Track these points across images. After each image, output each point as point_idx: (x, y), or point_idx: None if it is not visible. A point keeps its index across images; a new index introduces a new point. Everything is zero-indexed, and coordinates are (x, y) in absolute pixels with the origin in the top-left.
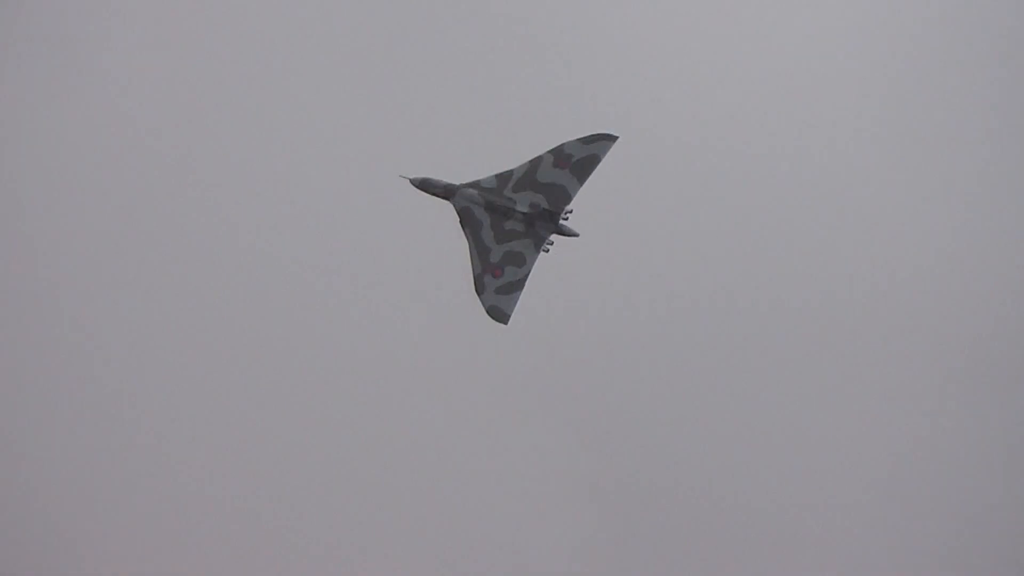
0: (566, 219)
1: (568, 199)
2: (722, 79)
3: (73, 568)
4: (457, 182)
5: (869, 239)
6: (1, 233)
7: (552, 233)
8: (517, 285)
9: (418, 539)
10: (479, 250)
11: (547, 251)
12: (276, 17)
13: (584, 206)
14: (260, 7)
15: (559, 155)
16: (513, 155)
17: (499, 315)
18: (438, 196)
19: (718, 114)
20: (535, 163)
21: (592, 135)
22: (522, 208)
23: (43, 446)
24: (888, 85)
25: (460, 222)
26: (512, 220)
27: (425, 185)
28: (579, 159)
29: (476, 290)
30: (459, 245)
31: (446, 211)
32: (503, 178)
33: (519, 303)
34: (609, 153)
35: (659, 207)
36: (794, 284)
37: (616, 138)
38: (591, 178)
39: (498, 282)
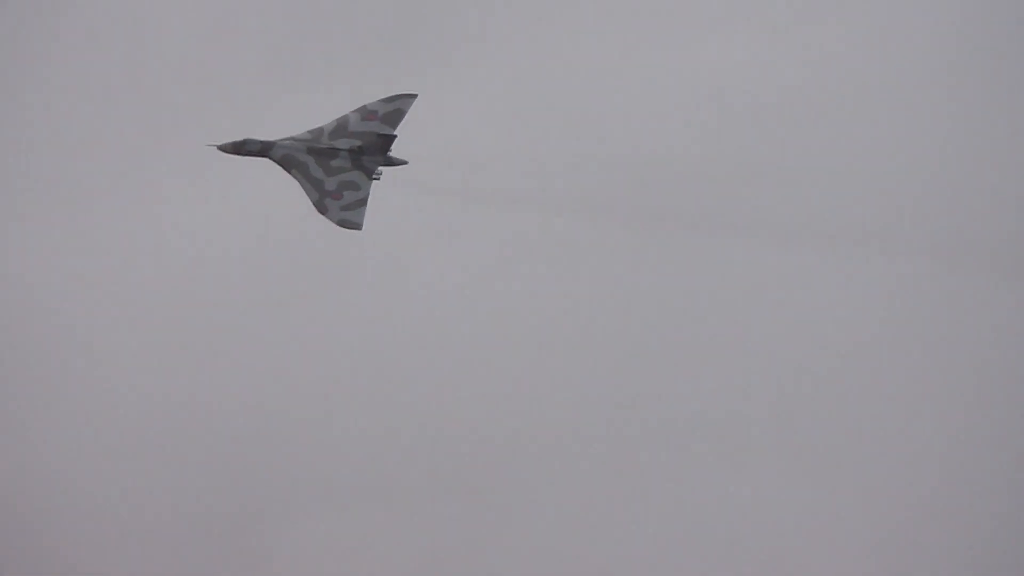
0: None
1: (385, 139)
2: None
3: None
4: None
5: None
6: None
7: (379, 165)
8: (360, 203)
9: None
10: (311, 182)
11: (378, 178)
12: None
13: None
14: None
15: (364, 112)
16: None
17: (351, 225)
18: (253, 155)
19: None
20: (342, 120)
21: (393, 95)
22: (345, 147)
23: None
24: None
25: (283, 168)
26: (338, 160)
27: (239, 147)
28: (385, 113)
29: (319, 211)
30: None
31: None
32: (315, 132)
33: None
34: None
35: None
36: None
37: (415, 96)
38: None
39: (340, 203)
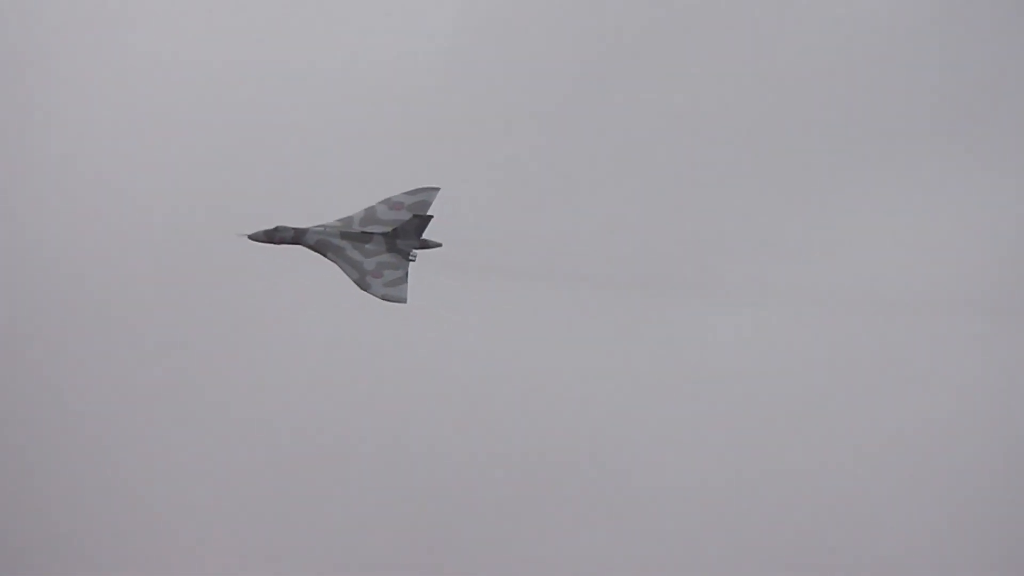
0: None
1: (421, 220)
2: None
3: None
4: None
5: None
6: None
7: (413, 248)
8: (401, 279)
9: None
10: (351, 263)
11: (413, 260)
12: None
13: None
14: None
15: (390, 203)
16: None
17: (396, 298)
18: (285, 243)
19: None
20: (370, 210)
21: (416, 189)
22: (379, 231)
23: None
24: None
25: (319, 252)
26: (372, 244)
27: (271, 235)
28: (411, 204)
29: (362, 288)
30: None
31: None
32: (345, 220)
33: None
34: None
35: None
36: None
37: (438, 189)
38: None
39: (382, 280)
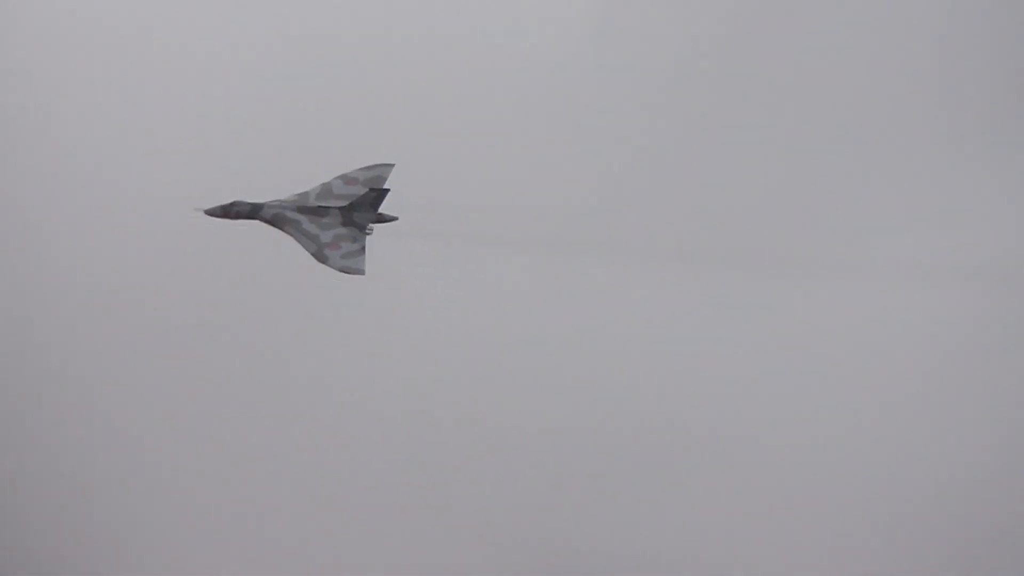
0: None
1: (378, 193)
2: None
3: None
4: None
5: None
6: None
7: (370, 221)
8: (358, 252)
9: None
10: (307, 236)
11: (370, 233)
12: None
13: None
14: None
15: (346, 179)
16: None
17: (354, 270)
18: (242, 217)
19: None
20: (326, 185)
21: (371, 165)
22: (335, 205)
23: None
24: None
25: (275, 226)
26: (328, 217)
27: (228, 210)
28: (366, 179)
29: (319, 260)
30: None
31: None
32: (301, 195)
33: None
34: None
35: None
36: None
37: (392, 165)
38: None
39: (339, 252)
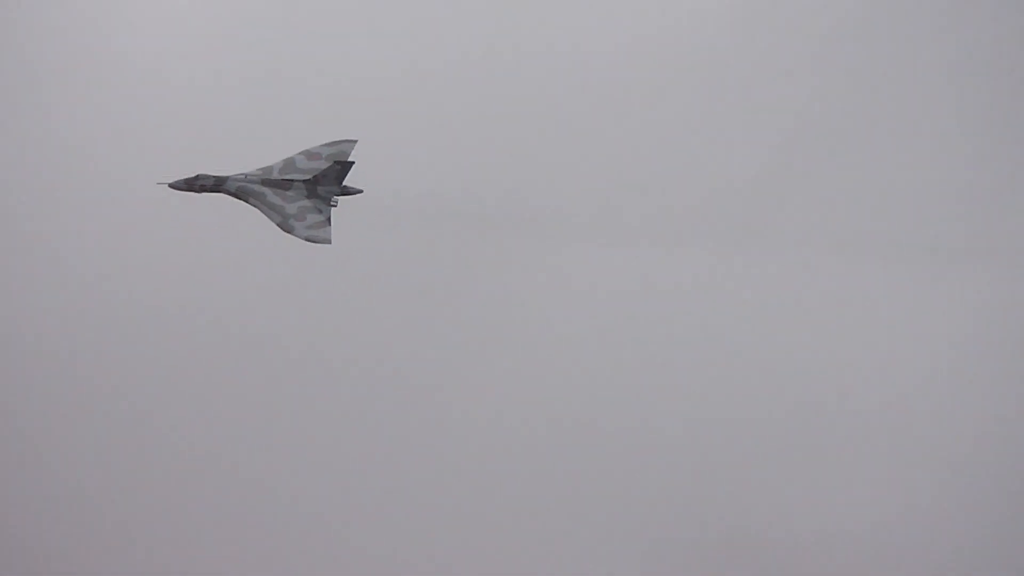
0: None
1: (343, 166)
2: None
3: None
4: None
5: None
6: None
7: (335, 195)
8: (324, 223)
9: None
10: (273, 208)
11: (335, 205)
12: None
13: None
14: None
15: (308, 154)
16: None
17: (320, 239)
18: (207, 190)
19: None
20: (288, 160)
21: (334, 141)
22: (301, 178)
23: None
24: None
25: (239, 198)
26: (292, 191)
27: (192, 184)
28: (329, 154)
29: (285, 230)
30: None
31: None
32: (265, 169)
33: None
34: None
35: None
36: None
37: (355, 141)
38: None
39: (304, 223)
